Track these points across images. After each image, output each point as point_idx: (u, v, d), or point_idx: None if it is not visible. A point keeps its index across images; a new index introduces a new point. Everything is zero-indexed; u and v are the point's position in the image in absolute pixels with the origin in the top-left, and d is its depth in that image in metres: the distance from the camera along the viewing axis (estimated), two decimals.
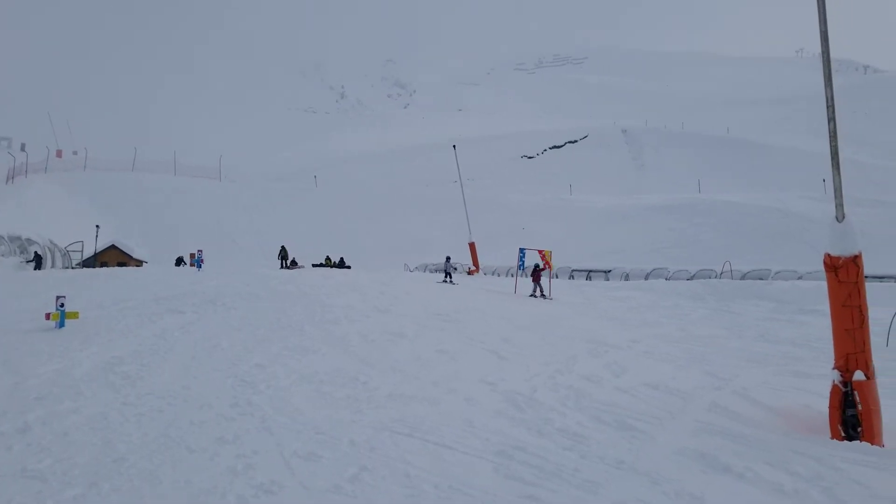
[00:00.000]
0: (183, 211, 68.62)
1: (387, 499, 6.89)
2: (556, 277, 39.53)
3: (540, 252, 29.13)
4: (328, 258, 44.66)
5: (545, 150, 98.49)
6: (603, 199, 60.81)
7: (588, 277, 41.40)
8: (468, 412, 10.18)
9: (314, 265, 42.80)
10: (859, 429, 9.60)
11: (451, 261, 33.95)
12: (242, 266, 38.89)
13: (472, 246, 40.47)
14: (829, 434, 9.75)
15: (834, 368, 9.95)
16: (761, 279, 33.47)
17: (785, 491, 7.38)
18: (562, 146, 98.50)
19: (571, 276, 41.98)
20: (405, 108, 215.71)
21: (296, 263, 42.33)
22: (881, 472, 8.00)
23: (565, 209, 59.22)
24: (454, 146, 44.50)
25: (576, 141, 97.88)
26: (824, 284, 10.40)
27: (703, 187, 60.44)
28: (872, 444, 9.33)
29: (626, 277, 39.21)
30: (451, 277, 32.81)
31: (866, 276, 11.20)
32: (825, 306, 10.68)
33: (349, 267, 42.09)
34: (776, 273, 34.30)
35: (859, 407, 9.59)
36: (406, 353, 14.47)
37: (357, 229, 64.62)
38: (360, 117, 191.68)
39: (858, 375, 9.70)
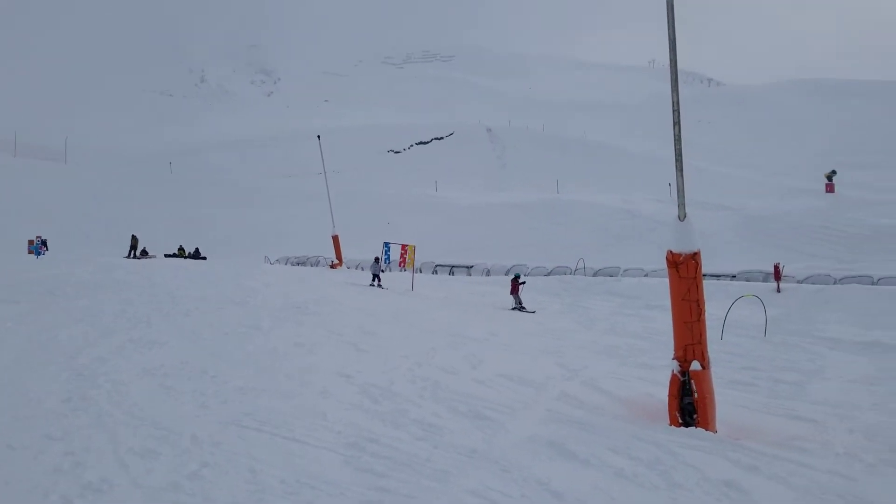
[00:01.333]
0: (22, 194, 63.43)
1: (228, 496, 6.54)
2: (420, 272, 39.72)
3: (403, 246, 29.13)
4: (181, 248, 42.65)
5: (411, 146, 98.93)
6: (467, 195, 61.82)
7: (451, 272, 41.90)
8: (322, 405, 9.93)
9: (167, 255, 40.72)
10: (695, 416, 10.16)
11: (381, 262, 30.05)
12: (88, 255, 36.40)
13: (335, 239, 39.92)
14: (667, 421, 10.27)
15: (673, 359, 10.49)
16: (611, 276, 35.10)
17: (626, 475, 7.67)
18: (428, 142, 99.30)
19: (435, 271, 42.34)
20: (269, 95, 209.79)
21: (146, 253, 40.14)
22: (713, 457, 8.49)
23: (430, 205, 59.71)
24: (318, 137, 43.71)
25: (442, 138, 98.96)
26: (668, 282, 10.92)
27: (561, 188, 62.71)
28: (707, 431, 9.90)
29: (488, 273, 40.01)
30: (379, 280, 28.91)
31: (704, 274, 11.91)
32: (668, 302, 11.24)
33: (205, 258, 40.36)
34: (625, 271, 36.11)
35: (695, 395, 10.15)
36: (260, 346, 13.97)
37: (215, 219, 62.19)
38: (220, 103, 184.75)
39: (695, 365, 10.26)
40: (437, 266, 42.93)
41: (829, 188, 56.03)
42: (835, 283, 30.82)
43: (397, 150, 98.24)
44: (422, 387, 11.43)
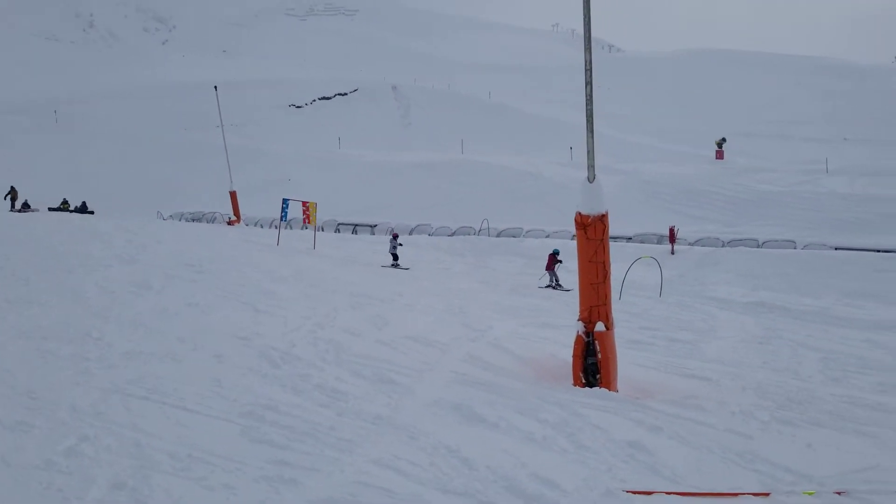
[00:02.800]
0: None
1: (109, 473, 6.00)
2: (322, 230, 38.88)
3: (304, 204, 28.27)
4: (65, 202, 40.10)
5: (314, 101, 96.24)
6: (371, 153, 60.78)
7: (354, 231, 41.21)
8: (216, 370, 9.37)
9: (50, 209, 38.17)
10: (598, 376, 10.24)
11: (399, 238, 26.89)
12: None
13: (233, 195, 38.41)
14: (571, 381, 10.30)
15: (579, 320, 10.50)
16: (514, 237, 35.37)
17: (535, 438, 7.58)
18: (331, 98, 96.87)
19: (337, 230, 41.53)
20: (163, 44, 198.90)
21: (28, 206, 37.50)
22: (617, 417, 8.53)
23: (333, 162, 58.35)
24: (216, 88, 41.69)
25: (346, 94, 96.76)
26: (569, 242, 10.87)
27: (465, 148, 62.58)
28: (609, 390, 9.99)
29: (392, 232, 39.60)
30: (398, 260, 25.74)
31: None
32: (569, 263, 11.21)
33: (92, 212, 38.08)
34: (527, 231, 36.46)
35: (599, 355, 10.21)
36: (150, 306, 13.14)
37: (104, 172, 58.73)
38: (110, 50, 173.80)
39: (600, 326, 10.31)
40: (339, 224, 42.13)
41: (719, 155, 58.23)
42: (723, 245, 32.07)
43: (299, 104, 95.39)
44: (324, 350, 11.02)
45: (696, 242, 32.80)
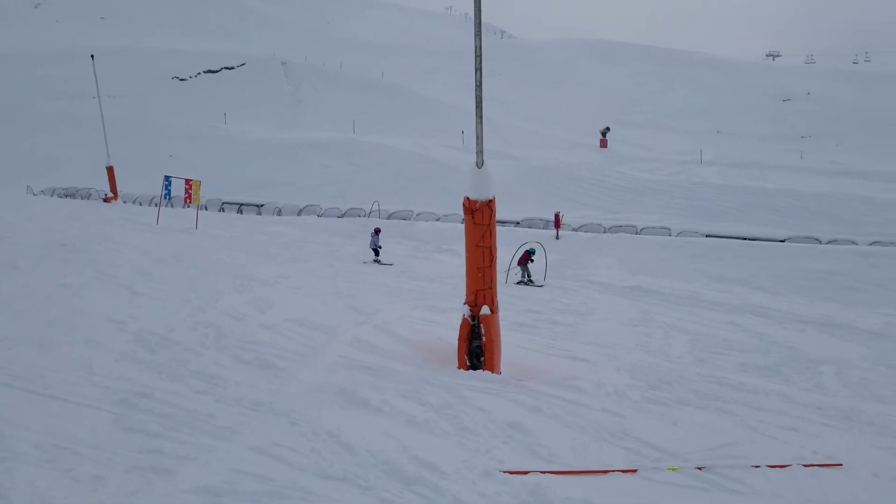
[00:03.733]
0: None
1: None
2: (206, 209, 37.60)
3: (187, 181, 27.23)
4: None
5: (199, 74, 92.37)
6: (259, 130, 59.09)
7: (239, 211, 40.10)
8: (88, 356, 8.93)
9: None
10: (482, 358, 10.45)
11: (380, 234, 25.37)
12: None
13: (110, 170, 36.46)
14: (456, 364, 10.47)
15: (465, 303, 10.67)
16: (405, 219, 35.46)
17: (417, 422, 7.66)
18: (217, 71, 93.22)
19: (222, 209, 40.28)
20: (36, 7, 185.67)
21: None
22: (500, 399, 8.75)
23: (218, 138, 56.35)
24: (92, 57, 39.35)
25: (233, 67, 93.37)
26: (459, 226, 11.01)
27: (357, 128, 61.91)
28: (493, 373, 10.23)
29: (279, 212, 38.78)
30: (378, 255, 24.52)
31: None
32: (458, 246, 11.36)
33: None
34: (418, 214, 36.63)
35: (484, 338, 10.42)
36: (18, 288, 12.34)
37: None
38: None
39: (485, 310, 10.51)
40: (224, 203, 40.90)
41: (603, 143, 60.39)
42: (605, 231, 33.36)
43: (183, 77, 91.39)
44: (204, 333, 10.70)
45: (580, 228, 33.95)
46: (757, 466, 7.27)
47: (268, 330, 11.34)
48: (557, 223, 31.87)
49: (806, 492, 6.76)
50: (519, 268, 22.89)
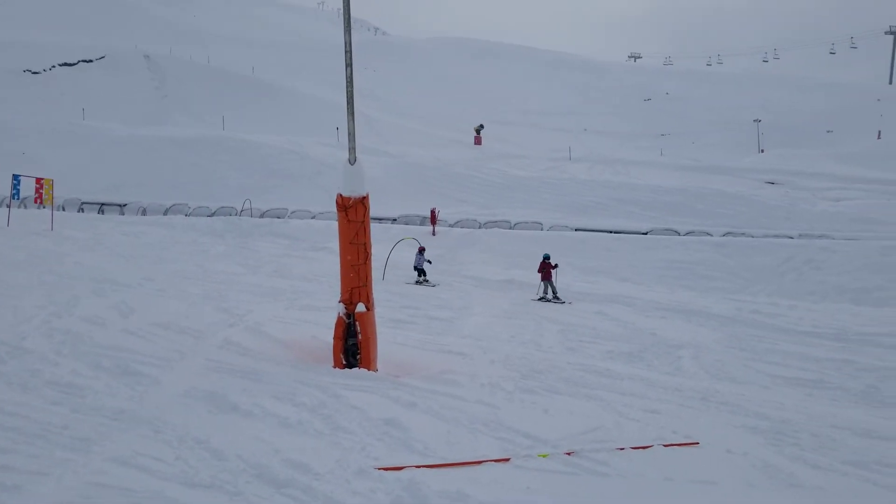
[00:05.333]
0: None
1: None
2: (63, 210, 35.37)
3: (38, 180, 25.48)
4: None
5: (54, 67, 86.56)
6: (121, 127, 56.09)
7: (101, 211, 37.96)
8: None
9: None
10: (358, 356, 10.38)
11: (424, 253, 22.98)
12: None
13: None
14: (332, 363, 10.34)
15: (340, 301, 10.55)
16: (279, 217, 34.75)
17: (290, 423, 7.50)
18: (74, 64, 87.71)
19: (81, 209, 38.01)
20: None
21: None
22: (375, 396, 8.71)
23: (76, 135, 53.00)
24: None
25: (91, 60, 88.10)
26: (335, 224, 10.88)
27: (227, 124, 59.96)
28: (368, 370, 10.17)
29: (144, 212, 37.02)
30: (425, 276, 22.54)
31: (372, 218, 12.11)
32: (334, 244, 11.22)
33: None
34: (292, 212, 36.00)
35: (360, 336, 10.34)
36: None
37: None
38: None
39: (360, 307, 10.43)
40: (83, 203, 38.61)
41: (478, 140, 61.53)
42: (480, 227, 34.00)
43: (36, 70, 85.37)
44: (60, 341, 10.04)
45: (456, 224, 34.42)
46: (622, 449, 7.59)
47: (131, 335, 10.79)
48: (433, 219, 32.17)
49: (666, 470, 7.11)
50: (542, 283, 20.25)
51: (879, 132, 77.36)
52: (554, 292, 20.14)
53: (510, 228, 33.67)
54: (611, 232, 32.35)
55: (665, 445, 7.89)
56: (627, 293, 21.87)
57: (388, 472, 6.32)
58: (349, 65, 10.62)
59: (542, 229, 33.73)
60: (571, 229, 33.29)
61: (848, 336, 17.00)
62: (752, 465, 7.54)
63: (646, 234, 32.43)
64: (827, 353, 14.95)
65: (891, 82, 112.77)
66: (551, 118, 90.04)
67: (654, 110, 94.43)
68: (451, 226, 33.65)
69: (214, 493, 5.68)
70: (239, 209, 35.87)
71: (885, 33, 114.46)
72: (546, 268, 20.37)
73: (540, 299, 19.98)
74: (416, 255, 22.69)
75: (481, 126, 63.30)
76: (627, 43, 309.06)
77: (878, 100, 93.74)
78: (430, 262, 22.58)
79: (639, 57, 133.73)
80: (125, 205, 38.24)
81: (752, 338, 16.61)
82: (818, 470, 7.55)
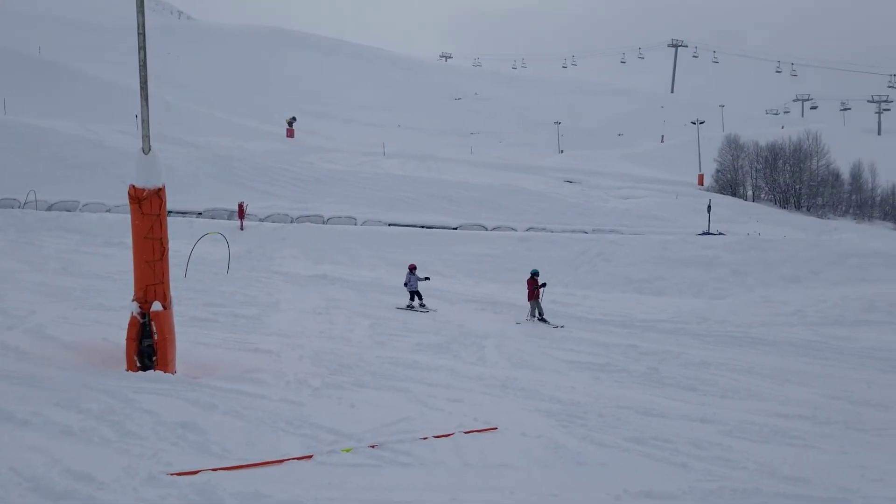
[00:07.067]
0: None
1: None
2: None
3: None
4: None
5: None
6: None
7: None
8: None
9: None
10: (154, 358, 9.81)
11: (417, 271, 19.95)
12: None
13: None
14: (125, 366, 9.70)
15: (133, 300, 9.92)
16: (69, 210, 32.07)
17: (73, 431, 6.95)
18: None
19: None
20: None
21: None
22: (170, 399, 8.29)
23: None
24: None
25: None
26: (130, 218, 10.20)
27: (9, 108, 54.25)
28: (165, 372, 9.64)
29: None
30: (420, 299, 19.34)
31: (170, 212, 11.48)
32: (130, 239, 10.51)
33: None
34: (84, 205, 33.36)
35: (156, 337, 9.78)
36: None
37: None
38: None
39: (156, 306, 9.86)
40: None
41: (290, 133, 60.23)
42: (292, 221, 33.40)
43: None
44: None
45: (267, 218, 33.58)
46: (425, 438, 7.78)
47: None
48: (241, 213, 31.14)
49: (465, 456, 7.39)
50: (529, 303, 18.44)
51: (662, 136, 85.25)
52: (540, 313, 18.26)
53: (323, 223, 33.37)
54: (423, 227, 33.03)
55: (466, 432, 8.20)
56: (438, 286, 22.41)
57: (182, 476, 6.03)
58: (142, 47, 10.01)
59: (355, 224, 33.75)
60: (384, 224, 33.60)
61: (632, 323, 18.58)
62: (544, 446, 8.02)
63: (456, 229, 33.45)
64: (614, 339, 16.25)
65: (672, 91, 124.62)
66: (365, 113, 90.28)
67: (464, 109, 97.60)
68: (260, 220, 32.76)
69: None
70: (22, 201, 32.69)
71: (668, 46, 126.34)
72: (531, 286, 18.42)
73: (528, 319, 18.19)
74: (408, 273, 19.57)
75: (293, 118, 62.04)
76: (438, 42, 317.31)
77: (662, 106, 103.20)
78: (427, 278, 19.73)
79: (450, 57, 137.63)
80: None
81: (549, 327, 17.67)
82: (603, 447, 8.18)
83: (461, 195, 39.25)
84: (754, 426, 9.53)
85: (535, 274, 18.73)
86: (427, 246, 29.17)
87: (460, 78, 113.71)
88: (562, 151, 75.05)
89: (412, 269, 19.68)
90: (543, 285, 18.46)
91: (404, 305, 18.98)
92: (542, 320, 18.07)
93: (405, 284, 19.45)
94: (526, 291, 18.53)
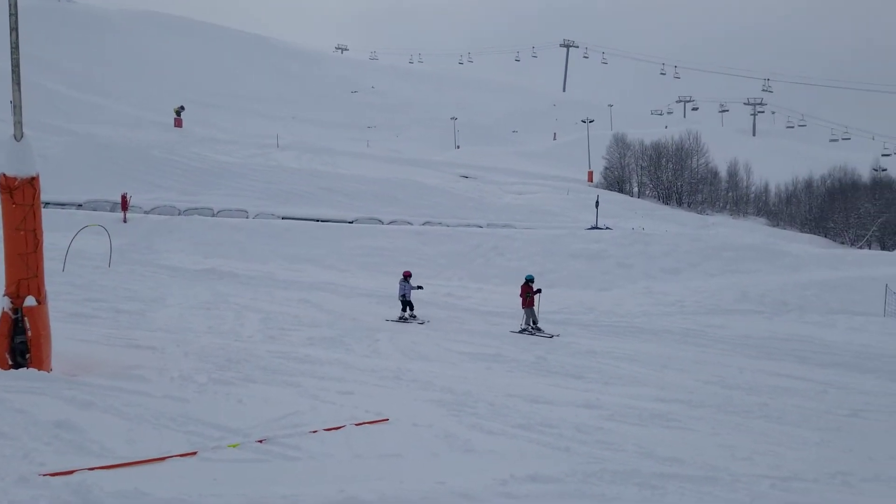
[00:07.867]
0: None
1: None
2: None
3: None
4: None
5: None
6: None
7: None
8: None
9: None
10: (28, 356, 9.32)
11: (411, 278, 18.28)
12: None
13: None
14: None
15: (5, 295, 9.39)
16: None
17: None
18: None
19: None
20: None
21: None
22: (44, 397, 7.90)
23: None
24: None
25: None
26: None
27: None
28: (40, 370, 9.18)
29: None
30: (412, 310, 17.73)
31: (47, 203, 10.90)
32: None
33: None
34: None
35: (29, 333, 9.30)
36: None
37: None
38: None
39: (30, 301, 9.38)
40: None
41: (178, 123, 58.15)
42: (179, 214, 32.29)
43: None
44: None
45: (152, 210, 32.33)
46: (315, 431, 7.73)
47: None
48: (125, 205, 29.84)
49: (356, 448, 7.40)
50: (524, 311, 17.06)
51: (555, 134, 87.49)
52: (534, 322, 16.92)
53: (213, 216, 32.42)
54: (317, 220, 32.64)
55: (357, 424, 8.20)
56: (332, 280, 22.28)
57: (56, 477, 5.77)
58: (14, 28, 9.45)
59: (247, 217, 32.98)
60: (278, 217, 33.00)
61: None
62: (435, 435, 8.13)
63: (351, 222, 33.26)
64: (504, 330, 16.62)
65: (564, 90, 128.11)
66: (259, 104, 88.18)
67: (360, 103, 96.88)
68: (146, 212, 31.50)
69: None
70: None
71: (560, 46, 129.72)
72: (525, 292, 17.10)
73: (521, 331, 16.76)
74: (400, 282, 18.09)
75: (182, 107, 59.92)
76: (334, 34, 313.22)
77: (555, 105, 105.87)
78: (420, 287, 18.27)
79: (346, 49, 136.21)
80: None
81: (443, 319, 17.88)
82: (491, 435, 8.37)
83: (357, 189, 39.04)
84: (634, 410, 10.01)
85: (529, 280, 17.45)
86: (322, 240, 28.86)
87: (357, 71, 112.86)
88: (458, 147, 75.82)
89: (406, 276, 18.15)
90: (538, 291, 17.18)
91: (396, 317, 17.62)
92: (537, 329, 16.75)
93: (401, 300, 17.89)
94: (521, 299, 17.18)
